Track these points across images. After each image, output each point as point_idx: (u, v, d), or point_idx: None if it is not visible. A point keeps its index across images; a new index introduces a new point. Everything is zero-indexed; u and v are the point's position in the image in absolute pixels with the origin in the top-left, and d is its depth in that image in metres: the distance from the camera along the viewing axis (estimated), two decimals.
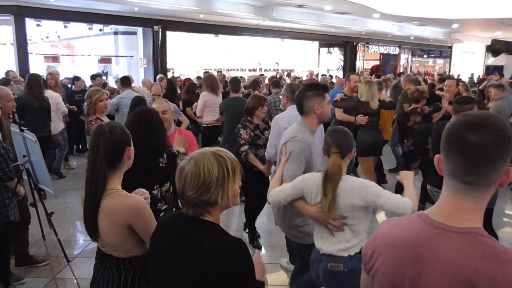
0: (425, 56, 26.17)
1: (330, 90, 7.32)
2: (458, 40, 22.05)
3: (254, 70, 18.67)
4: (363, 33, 18.05)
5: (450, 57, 25.39)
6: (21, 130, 3.16)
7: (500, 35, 21.33)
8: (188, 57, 17.05)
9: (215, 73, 11.07)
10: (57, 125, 6.20)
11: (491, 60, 25.18)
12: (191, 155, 1.44)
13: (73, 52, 17.13)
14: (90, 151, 1.78)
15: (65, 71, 13.46)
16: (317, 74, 17.36)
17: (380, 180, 5.99)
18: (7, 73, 7.43)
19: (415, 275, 1.03)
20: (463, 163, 1.00)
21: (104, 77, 12.04)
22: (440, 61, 27.05)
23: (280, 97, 5.11)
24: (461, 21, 16.33)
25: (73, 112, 7.04)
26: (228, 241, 1.36)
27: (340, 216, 2.13)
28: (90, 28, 13.49)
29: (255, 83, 9.13)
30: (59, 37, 14.87)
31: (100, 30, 13.90)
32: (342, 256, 2.17)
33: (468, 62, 24.64)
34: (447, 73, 20.58)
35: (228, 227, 4.69)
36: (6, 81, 5.85)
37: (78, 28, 13.87)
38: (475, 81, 16.99)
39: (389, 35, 19.03)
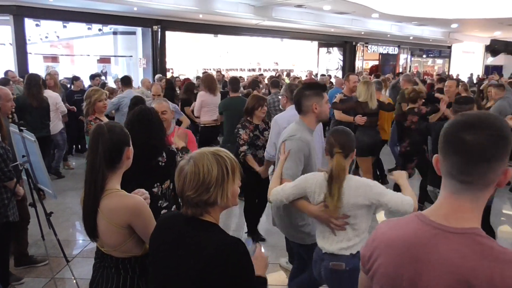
0: (424, 56, 26.18)
1: (329, 90, 7.35)
2: (457, 40, 22.06)
3: (254, 70, 18.66)
4: (362, 33, 18.06)
5: (449, 57, 25.40)
6: (20, 130, 3.15)
7: (499, 35, 21.34)
8: (188, 57, 17.03)
9: (214, 73, 11.06)
10: (56, 125, 6.20)
11: (490, 60, 25.20)
12: (191, 155, 1.44)
13: (72, 52, 17.12)
14: (89, 151, 1.78)
15: (64, 71, 13.43)
16: (317, 74, 17.36)
17: (381, 180, 6.00)
18: (6, 73, 7.44)
19: (414, 275, 1.04)
20: (460, 163, 1.00)
21: (103, 77, 12.04)
22: (439, 61, 27.07)
23: (280, 97, 5.11)
24: (460, 21, 16.34)
25: (72, 112, 7.04)
26: (227, 242, 1.36)
27: (343, 215, 2.16)
28: (89, 28, 13.47)
29: (255, 82, 9.12)
30: (58, 37, 14.85)
31: (99, 30, 13.88)
32: (344, 254, 2.19)
33: (467, 62, 24.64)
34: (446, 73, 20.59)
35: (227, 227, 4.70)
36: (5, 81, 5.85)
37: (77, 28, 13.85)
38: (475, 81, 17.00)
39: (388, 35, 19.04)
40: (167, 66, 15.00)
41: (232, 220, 4.97)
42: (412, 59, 25.53)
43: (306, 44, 20.28)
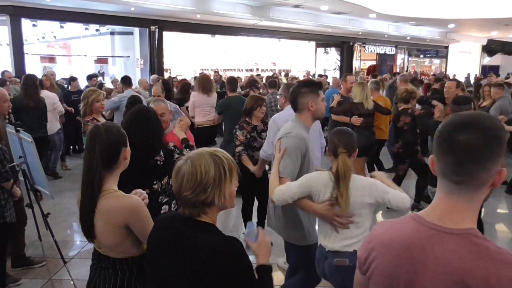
0: (421, 56, 26.27)
1: (326, 91, 7.36)
2: (454, 40, 22.13)
3: (251, 70, 18.64)
4: (360, 33, 18.08)
5: (446, 57, 25.47)
6: (17, 131, 3.15)
7: (496, 35, 21.42)
8: (185, 57, 17.01)
9: (212, 73, 11.04)
10: (54, 125, 6.19)
11: (487, 60, 25.29)
12: (188, 155, 1.44)
13: (69, 53, 17.09)
14: (86, 151, 1.77)
15: (61, 72, 13.41)
16: (314, 74, 17.37)
17: None
18: (2, 73, 7.43)
19: (411, 276, 1.04)
20: (452, 163, 1.00)
21: (100, 78, 12.01)
22: (436, 61, 27.14)
23: (277, 97, 5.11)
24: (457, 21, 16.40)
25: (69, 113, 7.02)
26: (224, 242, 1.36)
27: (348, 213, 2.20)
28: (86, 28, 13.44)
29: (253, 82, 9.10)
30: (55, 37, 14.83)
31: (97, 30, 13.85)
32: (347, 251, 2.23)
33: (464, 62, 24.73)
34: (444, 73, 20.65)
35: (225, 228, 4.69)
36: (1, 82, 5.85)
37: (74, 28, 13.83)
38: (472, 81, 17.06)
39: (386, 35, 19.08)
40: (165, 67, 14.98)
41: (230, 221, 4.97)
42: (410, 59, 25.58)
43: (303, 44, 20.29)
